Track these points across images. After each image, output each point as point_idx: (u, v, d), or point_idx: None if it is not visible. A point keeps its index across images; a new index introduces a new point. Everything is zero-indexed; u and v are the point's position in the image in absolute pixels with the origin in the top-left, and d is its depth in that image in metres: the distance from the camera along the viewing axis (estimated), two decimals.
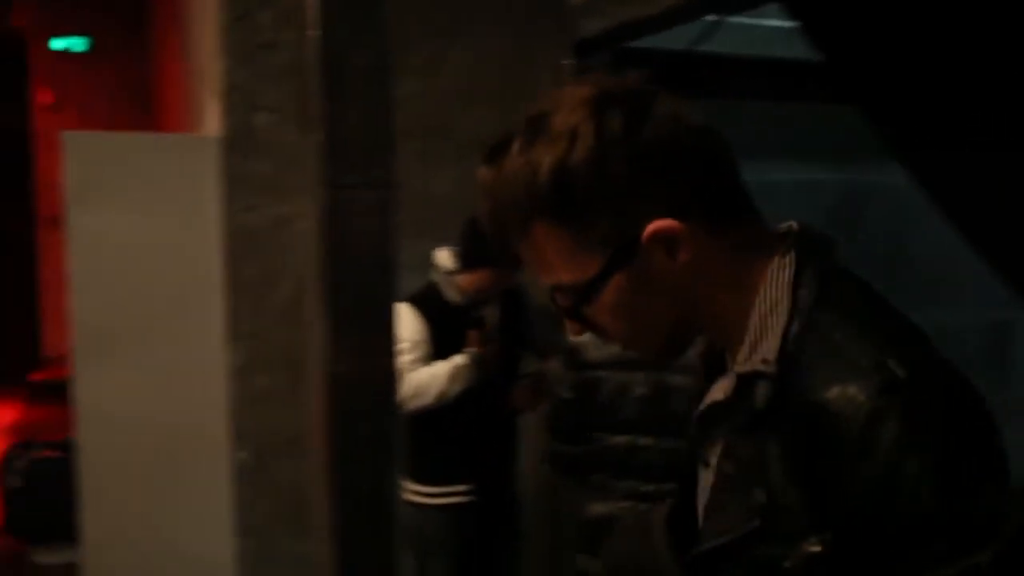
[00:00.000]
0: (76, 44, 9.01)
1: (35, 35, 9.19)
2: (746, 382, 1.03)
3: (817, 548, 0.95)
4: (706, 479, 1.13)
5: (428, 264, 3.35)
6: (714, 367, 1.17)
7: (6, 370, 9.40)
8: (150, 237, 3.41)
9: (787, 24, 2.99)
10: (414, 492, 3.32)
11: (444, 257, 3.34)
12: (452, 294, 3.33)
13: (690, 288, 1.05)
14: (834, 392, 0.95)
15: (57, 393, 8.66)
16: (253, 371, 3.45)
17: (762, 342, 1.03)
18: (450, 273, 3.32)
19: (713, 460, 1.10)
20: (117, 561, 3.55)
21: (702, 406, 1.11)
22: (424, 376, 3.22)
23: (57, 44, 9.06)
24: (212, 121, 3.62)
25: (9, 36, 9.33)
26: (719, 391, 1.08)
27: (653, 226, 1.01)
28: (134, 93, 8.83)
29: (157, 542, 3.55)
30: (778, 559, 0.97)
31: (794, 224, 1.11)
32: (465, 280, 3.32)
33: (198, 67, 4.21)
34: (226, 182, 3.38)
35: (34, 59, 9.28)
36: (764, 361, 1.01)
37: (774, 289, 1.04)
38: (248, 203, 3.39)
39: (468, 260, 3.28)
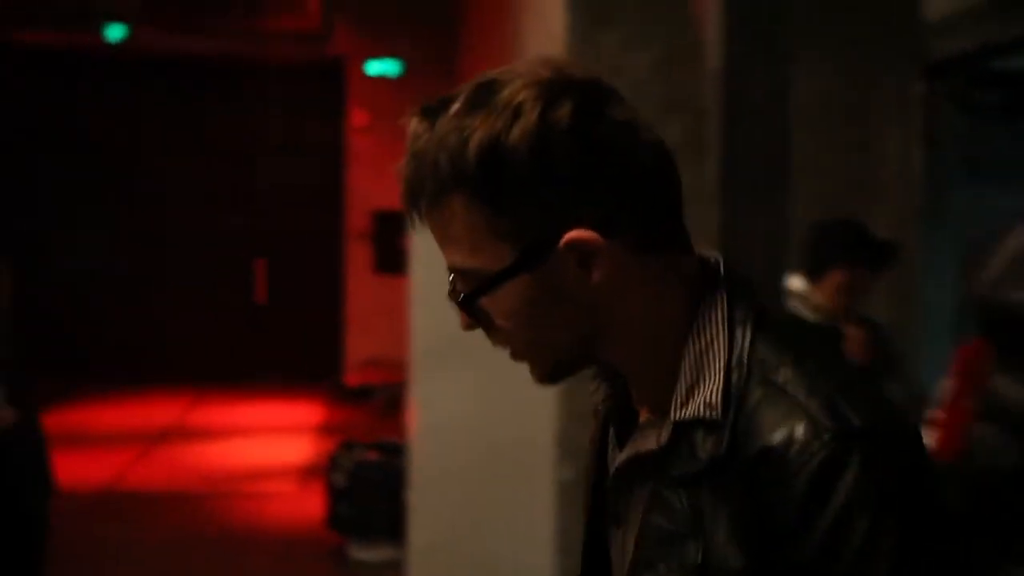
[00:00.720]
0: (390, 68, 9.55)
1: (352, 60, 9.83)
2: (685, 429, 0.93)
3: None
4: (621, 540, 1.03)
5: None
6: (618, 412, 1.06)
7: (312, 372, 10.06)
8: None
9: None
10: None
11: (795, 281, 3.19)
12: (810, 315, 3.14)
13: (602, 311, 0.96)
14: (780, 435, 0.88)
15: (361, 396, 9.21)
16: (580, 389, 3.48)
17: (700, 384, 0.94)
18: (803, 294, 3.15)
19: (634, 515, 1.00)
20: (440, 565, 3.67)
21: (625, 457, 1.00)
22: None
23: (372, 68, 9.63)
24: None
25: (329, 62, 10.03)
26: (649, 439, 0.97)
27: (571, 235, 0.92)
28: None
29: (479, 550, 3.64)
30: None
31: (717, 258, 1.00)
32: (818, 293, 3.09)
33: None
34: None
35: (351, 83, 9.92)
36: (708, 406, 0.92)
37: (709, 326, 0.96)
38: None
39: (816, 267, 3.06)
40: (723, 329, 0.95)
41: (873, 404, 0.92)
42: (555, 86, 0.93)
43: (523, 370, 1.00)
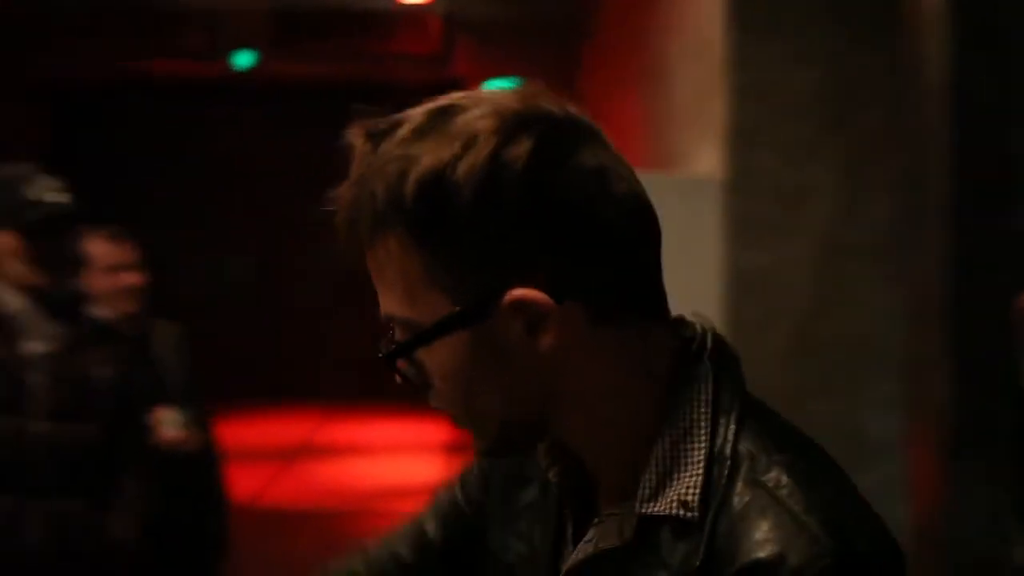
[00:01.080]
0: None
1: (471, 81, 9.91)
2: (653, 525, 0.81)
3: None
4: None
5: None
6: (572, 498, 0.91)
7: None
8: None
9: None
10: None
11: None
12: None
13: (552, 380, 0.83)
14: (771, 550, 0.76)
15: None
16: None
17: (674, 475, 0.81)
18: None
19: None
20: None
21: (582, 557, 0.86)
22: None
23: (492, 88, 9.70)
24: (706, 161, 3.65)
25: (448, 83, 10.14)
26: (610, 535, 0.84)
27: (516, 293, 0.80)
28: None
29: None
30: None
31: (704, 327, 0.86)
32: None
33: (679, 106, 4.29)
34: (727, 222, 3.40)
35: None
36: (682, 503, 0.80)
37: (689, 410, 0.83)
38: (748, 244, 3.39)
39: None
40: (706, 415, 0.83)
41: (872, 525, 0.81)
42: (519, 120, 0.81)
43: None
